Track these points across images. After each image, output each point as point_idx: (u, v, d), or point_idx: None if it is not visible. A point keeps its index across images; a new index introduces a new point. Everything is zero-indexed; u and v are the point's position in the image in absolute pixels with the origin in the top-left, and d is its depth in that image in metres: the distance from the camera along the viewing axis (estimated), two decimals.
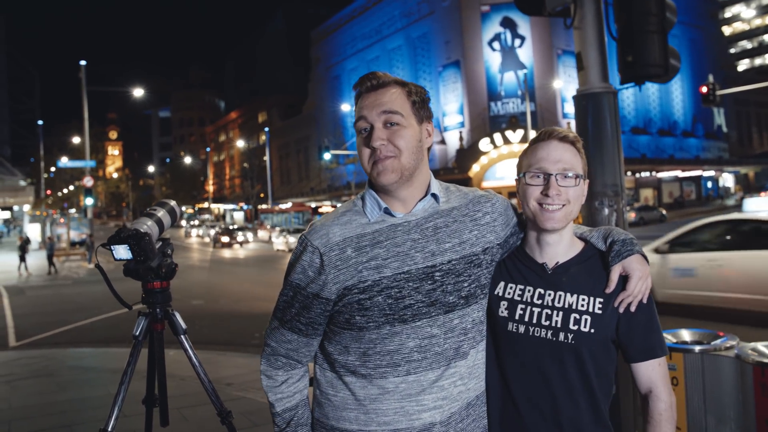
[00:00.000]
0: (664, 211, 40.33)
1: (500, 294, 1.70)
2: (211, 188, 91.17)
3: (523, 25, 43.37)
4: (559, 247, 1.69)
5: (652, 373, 1.64)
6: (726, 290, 8.20)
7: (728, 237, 8.87)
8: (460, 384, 1.59)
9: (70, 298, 16.57)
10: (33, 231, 46.18)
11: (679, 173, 51.47)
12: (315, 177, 61.72)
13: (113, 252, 2.10)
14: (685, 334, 3.50)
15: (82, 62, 31.44)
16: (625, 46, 4.15)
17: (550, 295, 1.65)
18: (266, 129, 65.54)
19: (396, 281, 1.52)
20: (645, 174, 48.78)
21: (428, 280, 1.54)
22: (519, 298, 1.68)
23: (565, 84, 42.38)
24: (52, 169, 65.55)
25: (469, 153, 42.32)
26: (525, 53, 43.82)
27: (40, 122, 55.46)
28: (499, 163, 41.15)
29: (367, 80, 1.59)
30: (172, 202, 2.31)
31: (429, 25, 48.06)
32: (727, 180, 59.64)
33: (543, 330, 1.62)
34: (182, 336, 2.30)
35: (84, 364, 8.03)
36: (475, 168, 41.78)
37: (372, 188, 1.63)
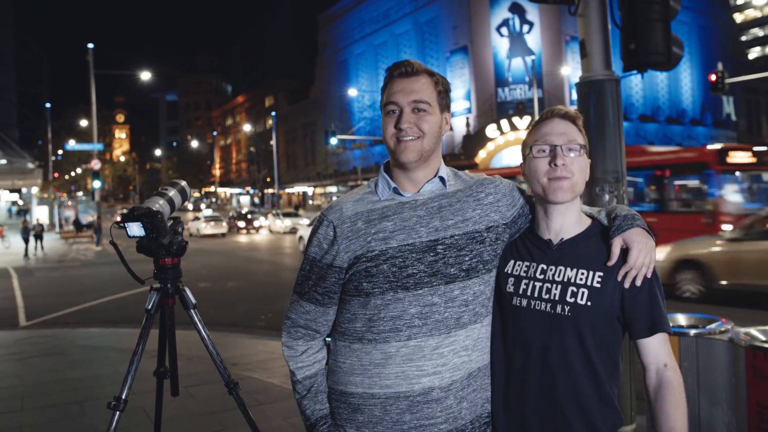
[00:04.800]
0: None
1: (509, 271, 1.78)
2: (217, 172, 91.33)
3: (532, 11, 43.03)
4: (566, 221, 1.75)
5: (662, 346, 1.65)
6: None
7: None
8: (463, 354, 1.68)
9: (78, 279, 16.76)
10: (41, 213, 46.48)
11: None
12: (321, 162, 61.70)
13: (127, 229, 2.20)
14: (681, 319, 3.58)
15: (90, 45, 31.47)
16: (629, 34, 4.18)
17: (551, 269, 1.71)
18: (273, 113, 65.47)
19: (401, 252, 1.66)
20: None
21: (431, 252, 1.66)
22: (524, 274, 1.74)
23: (573, 71, 42.08)
24: (60, 152, 65.74)
25: (475, 139, 42.23)
26: (533, 39, 43.53)
27: (48, 105, 55.59)
28: (506, 150, 41.05)
29: (401, 66, 1.75)
30: (183, 182, 2.40)
31: (437, 10, 47.75)
32: None
33: (542, 303, 1.69)
34: (192, 310, 2.39)
35: (93, 343, 8.18)
36: (482, 154, 41.72)
37: (386, 171, 1.79)
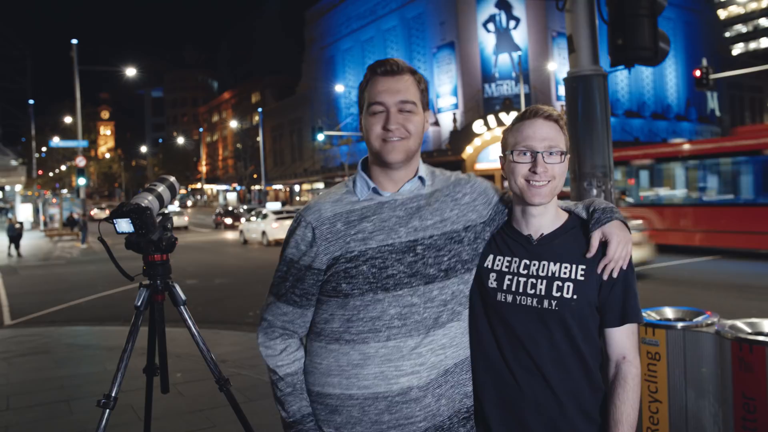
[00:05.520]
0: None
1: (489, 266, 1.78)
2: (204, 169, 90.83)
3: (518, 7, 43.15)
4: (544, 219, 1.76)
5: (626, 339, 1.71)
6: None
7: None
8: (440, 352, 1.68)
9: (63, 277, 16.61)
10: (25, 211, 45.96)
11: None
12: (308, 158, 61.55)
13: (116, 225, 2.18)
14: (668, 312, 3.61)
15: (74, 41, 31.16)
16: (616, 30, 4.21)
17: (534, 265, 1.73)
18: (260, 110, 65.18)
19: (380, 252, 1.64)
20: None
21: (410, 253, 1.66)
22: (506, 269, 1.75)
23: (560, 66, 42.25)
24: (44, 149, 65.04)
25: (462, 135, 42.31)
26: (520, 35, 43.65)
27: (31, 102, 54.96)
28: (493, 145, 41.13)
29: (386, 65, 1.71)
30: (172, 178, 2.39)
31: (424, 5, 47.72)
32: None
33: (528, 298, 1.70)
34: (182, 306, 2.38)
35: (80, 342, 8.12)
36: (469, 150, 41.81)
37: (364, 170, 1.77)
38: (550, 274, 1.70)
